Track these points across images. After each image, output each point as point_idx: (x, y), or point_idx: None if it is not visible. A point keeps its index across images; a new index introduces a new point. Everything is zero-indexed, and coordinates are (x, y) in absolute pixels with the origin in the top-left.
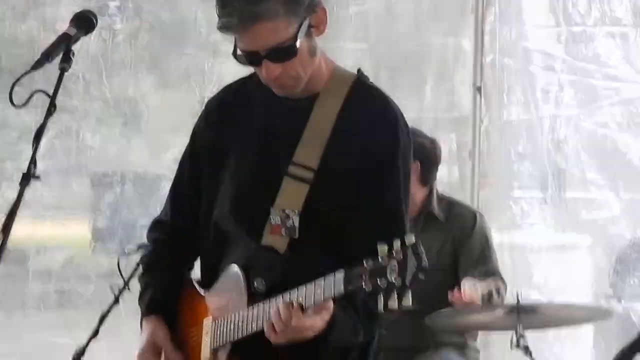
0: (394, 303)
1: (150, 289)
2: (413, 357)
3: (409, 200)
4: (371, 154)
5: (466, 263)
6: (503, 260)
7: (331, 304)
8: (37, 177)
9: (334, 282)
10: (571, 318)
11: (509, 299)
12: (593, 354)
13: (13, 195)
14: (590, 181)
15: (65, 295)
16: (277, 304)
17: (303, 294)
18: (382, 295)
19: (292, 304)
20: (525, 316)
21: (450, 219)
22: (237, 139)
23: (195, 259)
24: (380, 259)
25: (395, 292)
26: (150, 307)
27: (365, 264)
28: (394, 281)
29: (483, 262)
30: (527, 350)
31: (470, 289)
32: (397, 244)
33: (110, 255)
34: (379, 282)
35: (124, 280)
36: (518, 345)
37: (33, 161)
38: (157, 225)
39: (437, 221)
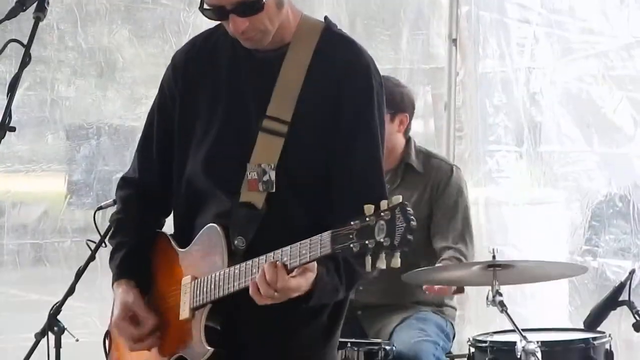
0: (382, 263)
1: (119, 251)
2: (390, 315)
3: (392, 152)
4: (345, 103)
5: (438, 216)
6: (478, 215)
7: (315, 264)
8: (13, 129)
9: (321, 243)
10: (546, 274)
11: (485, 255)
12: (569, 310)
13: None
14: (565, 135)
15: (41, 251)
16: (261, 264)
17: (288, 254)
18: (369, 256)
19: (277, 264)
20: (500, 272)
21: (427, 171)
22: (206, 93)
23: (166, 217)
24: (367, 219)
25: (384, 253)
26: (120, 270)
27: (352, 224)
28: (382, 241)
29: (453, 221)
30: (502, 306)
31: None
32: (384, 203)
33: (86, 209)
34: (367, 242)
35: (100, 236)
36: (494, 302)
37: (8, 112)
38: (125, 183)
39: (415, 172)
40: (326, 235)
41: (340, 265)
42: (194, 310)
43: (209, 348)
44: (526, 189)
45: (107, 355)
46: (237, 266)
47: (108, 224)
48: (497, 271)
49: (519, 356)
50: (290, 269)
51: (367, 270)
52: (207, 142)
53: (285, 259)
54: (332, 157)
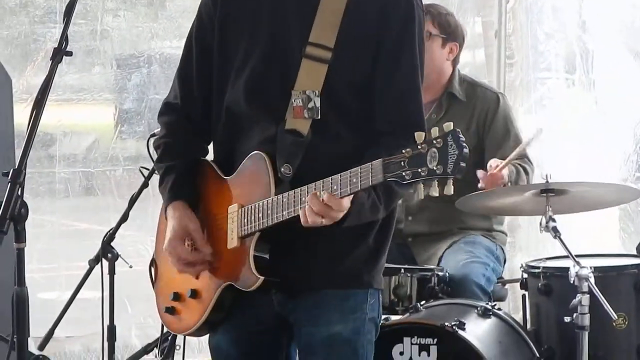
0: (434, 191)
1: (170, 174)
2: (440, 242)
3: (438, 79)
4: (386, 29)
5: (491, 146)
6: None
7: None
8: (69, 53)
9: (372, 171)
10: (600, 200)
11: (538, 180)
12: (621, 236)
13: (39, 79)
14: (618, 63)
15: (93, 180)
16: (310, 192)
17: (338, 182)
18: (422, 184)
19: (324, 197)
20: (554, 199)
21: (472, 100)
22: (246, 19)
23: (208, 144)
24: (419, 147)
25: (437, 180)
26: (174, 192)
27: (404, 152)
28: (435, 169)
29: (508, 144)
30: (556, 232)
31: (496, 162)
32: (435, 131)
33: (137, 137)
34: (420, 170)
35: (154, 162)
36: (547, 228)
37: (64, 37)
38: (167, 108)
39: (459, 101)
40: (377, 164)
41: (376, 185)
42: (242, 238)
43: (260, 277)
44: (578, 116)
45: (153, 285)
46: (286, 194)
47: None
48: (551, 197)
49: (572, 282)
50: (342, 197)
51: (419, 197)
52: (248, 69)
53: (335, 187)
54: (373, 84)
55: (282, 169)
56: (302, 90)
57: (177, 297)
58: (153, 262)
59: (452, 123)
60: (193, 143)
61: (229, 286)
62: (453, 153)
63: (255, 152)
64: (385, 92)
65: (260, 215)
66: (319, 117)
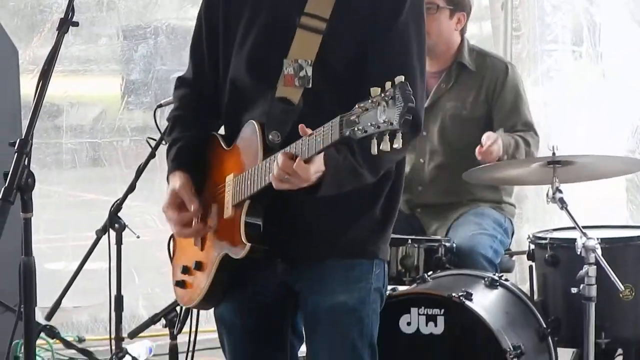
0: (385, 145)
1: (175, 146)
2: (449, 212)
3: (447, 49)
4: (383, 0)
5: (499, 116)
6: (536, 114)
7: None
8: (76, 23)
9: (331, 129)
10: (606, 171)
11: (545, 152)
12: (629, 208)
13: (45, 50)
14: (625, 35)
15: (99, 150)
16: (280, 152)
17: (306, 143)
18: (375, 139)
19: (294, 156)
20: (560, 170)
21: (481, 69)
22: None
23: (220, 119)
24: (371, 102)
25: (387, 134)
26: (175, 163)
27: (357, 107)
28: (383, 122)
29: (516, 114)
30: (562, 203)
31: (489, 138)
32: (387, 84)
33: (144, 108)
34: (370, 124)
35: (161, 133)
36: (554, 199)
37: (71, 6)
38: (181, 83)
39: (468, 71)
40: (335, 121)
41: (354, 148)
42: (235, 207)
43: (247, 243)
44: (585, 88)
45: (171, 259)
46: (269, 158)
47: (167, 122)
48: (557, 168)
49: (579, 252)
50: (309, 158)
51: (373, 152)
52: (249, 41)
53: (304, 148)
54: (367, 56)
55: (270, 136)
56: (294, 59)
57: (185, 270)
58: (172, 237)
59: (402, 76)
60: (203, 117)
61: (226, 256)
62: (399, 106)
63: (250, 121)
64: (378, 65)
65: (249, 182)
66: (310, 86)
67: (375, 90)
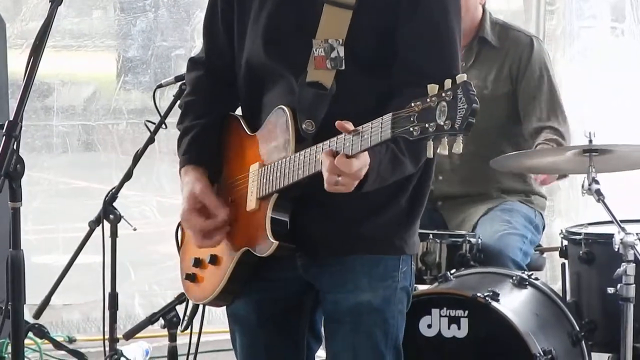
0: (443, 149)
1: (187, 135)
2: (474, 205)
3: (469, 24)
4: None
5: (525, 94)
6: (571, 97)
7: None
8: None
9: (382, 126)
10: None
11: (579, 140)
12: None
13: (35, 23)
14: None
15: (93, 134)
16: (325, 150)
17: (351, 139)
18: (431, 140)
19: (334, 153)
20: (597, 158)
21: (505, 45)
22: None
23: (237, 99)
24: (429, 100)
25: (446, 137)
26: (188, 156)
27: (413, 105)
28: (443, 124)
29: (543, 90)
30: (599, 195)
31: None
32: (448, 82)
33: (143, 89)
34: (428, 125)
35: (160, 116)
36: (590, 190)
37: None
38: (193, 64)
39: (490, 46)
40: (387, 118)
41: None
42: (260, 200)
43: (274, 241)
44: (625, 69)
45: (179, 249)
46: (303, 152)
47: (168, 104)
48: (594, 157)
49: (616, 249)
50: (352, 156)
51: (429, 155)
52: (264, 16)
53: (347, 144)
54: (399, 29)
55: (304, 126)
56: (324, 38)
57: (197, 263)
58: (179, 226)
59: (465, 75)
60: (219, 99)
61: (247, 252)
62: (462, 107)
63: (279, 106)
64: (412, 39)
65: (278, 174)
66: (343, 67)
67: (432, 88)
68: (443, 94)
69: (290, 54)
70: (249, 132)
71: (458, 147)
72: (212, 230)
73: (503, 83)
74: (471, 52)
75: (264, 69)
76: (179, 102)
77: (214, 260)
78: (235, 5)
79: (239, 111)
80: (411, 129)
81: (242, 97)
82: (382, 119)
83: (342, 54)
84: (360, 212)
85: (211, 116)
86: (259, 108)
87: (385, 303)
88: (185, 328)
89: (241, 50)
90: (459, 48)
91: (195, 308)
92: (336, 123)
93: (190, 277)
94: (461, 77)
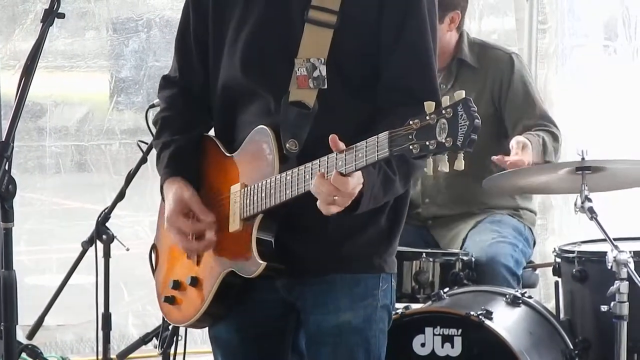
0: (444, 166)
1: (167, 149)
2: (462, 222)
3: (443, 51)
4: None
5: (512, 113)
6: (564, 114)
7: None
8: (62, 15)
9: (378, 145)
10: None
11: (573, 157)
12: None
13: (28, 44)
14: None
15: (86, 154)
16: (314, 170)
17: (343, 159)
18: (431, 158)
19: (326, 175)
20: (590, 176)
21: (484, 64)
22: None
23: (211, 117)
24: (427, 117)
25: (446, 154)
26: (171, 169)
27: (411, 123)
28: (444, 142)
29: (531, 106)
30: (592, 212)
31: (518, 143)
32: (446, 100)
33: (135, 109)
34: (428, 143)
35: (153, 136)
36: (583, 208)
37: None
38: (167, 82)
39: (469, 67)
40: (383, 137)
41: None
42: (244, 221)
43: (262, 262)
44: (618, 87)
45: (154, 272)
46: (290, 172)
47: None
48: (587, 175)
49: (609, 267)
50: (346, 175)
51: (429, 173)
52: (243, 36)
53: (340, 163)
54: (381, 48)
55: (288, 145)
56: (306, 57)
57: (177, 285)
58: (154, 248)
59: (463, 91)
60: (194, 117)
61: (231, 273)
62: (464, 124)
63: (260, 126)
64: (395, 58)
65: (263, 195)
66: (326, 86)
67: (429, 105)
68: (443, 111)
69: (270, 74)
70: (226, 153)
71: (460, 165)
72: (201, 233)
73: (485, 105)
74: (450, 74)
75: (239, 89)
76: (153, 118)
77: (195, 282)
78: (211, 27)
79: (212, 132)
80: (410, 147)
81: (215, 117)
82: (377, 137)
83: (324, 73)
84: (340, 232)
85: (189, 133)
86: (233, 128)
87: (366, 322)
88: (162, 351)
89: (216, 70)
90: (436, 69)
91: (175, 331)
92: (330, 139)
93: (169, 300)
94: (460, 94)
